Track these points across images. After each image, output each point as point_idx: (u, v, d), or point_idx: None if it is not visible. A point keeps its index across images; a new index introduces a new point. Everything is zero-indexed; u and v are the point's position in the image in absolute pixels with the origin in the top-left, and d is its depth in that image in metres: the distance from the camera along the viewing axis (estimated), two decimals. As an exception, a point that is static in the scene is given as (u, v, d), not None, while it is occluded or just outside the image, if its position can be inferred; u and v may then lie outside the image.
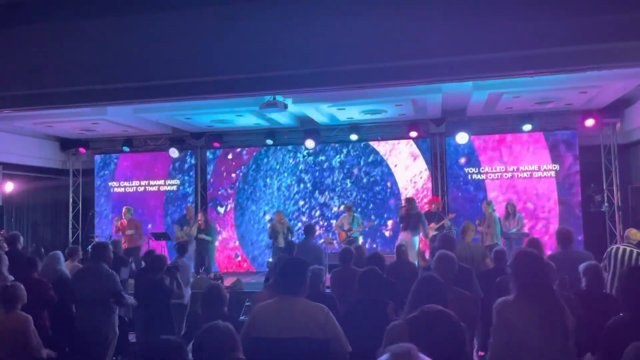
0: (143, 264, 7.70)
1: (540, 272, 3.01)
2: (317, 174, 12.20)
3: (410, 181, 11.78)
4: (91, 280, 5.36)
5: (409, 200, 9.89)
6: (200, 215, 10.91)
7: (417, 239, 9.66)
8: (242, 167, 12.61)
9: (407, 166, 11.81)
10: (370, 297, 3.92)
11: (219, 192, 12.69)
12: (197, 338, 2.57)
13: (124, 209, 11.07)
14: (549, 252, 6.68)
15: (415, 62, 4.75)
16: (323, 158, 12.21)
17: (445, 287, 3.09)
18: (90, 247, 6.44)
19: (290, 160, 12.37)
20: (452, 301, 3.48)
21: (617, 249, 5.74)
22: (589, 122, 10.45)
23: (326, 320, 3.10)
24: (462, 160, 11.55)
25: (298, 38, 4.64)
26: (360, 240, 10.68)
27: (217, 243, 11.67)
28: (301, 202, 12.24)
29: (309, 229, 7.86)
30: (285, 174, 12.37)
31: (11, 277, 5.70)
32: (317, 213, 12.16)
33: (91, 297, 5.31)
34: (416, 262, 8.09)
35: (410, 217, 9.61)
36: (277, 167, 12.43)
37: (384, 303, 3.88)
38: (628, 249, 5.69)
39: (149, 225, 12.46)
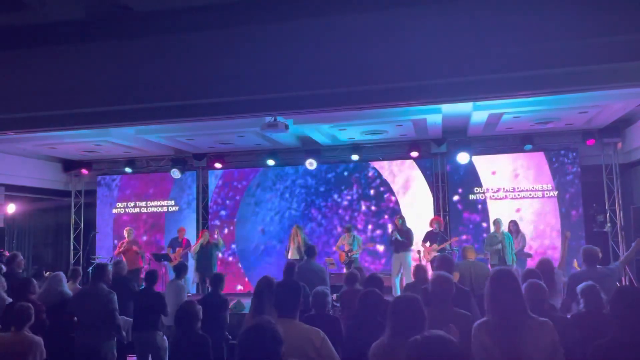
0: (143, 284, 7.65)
1: (516, 295, 2.95)
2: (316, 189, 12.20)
3: (411, 200, 11.75)
4: (90, 301, 5.37)
5: (401, 218, 10.07)
6: (201, 234, 10.88)
7: (410, 255, 9.78)
8: (244, 186, 12.62)
9: (408, 186, 11.80)
10: (370, 318, 3.90)
11: (220, 213, 12.68)
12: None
13: (125, 230, 11.06)
14: (572, 271, 6.71)
15: (413, 84, 4.79)
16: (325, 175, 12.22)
17: (422, 306, 3.03)
18: (90, 268, 6.41)
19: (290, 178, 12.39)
20: (450, 321, 3.46)
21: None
22: (590, 142, 10.48)
23: (322, 345, 3.07)
24: (463, 180, 11.53)
25: (299, 61, 4.69)
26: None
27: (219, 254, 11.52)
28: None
29: (311, 250, 7.76)
30: (286, 192, 12.37)
31: (9, 299, 5.68)
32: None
33: (91, 318, 5.30)
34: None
35: (403, 235, 9.70)
36: (279, 186, 12.43)
37: (383, 324, 3.84)
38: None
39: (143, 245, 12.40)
